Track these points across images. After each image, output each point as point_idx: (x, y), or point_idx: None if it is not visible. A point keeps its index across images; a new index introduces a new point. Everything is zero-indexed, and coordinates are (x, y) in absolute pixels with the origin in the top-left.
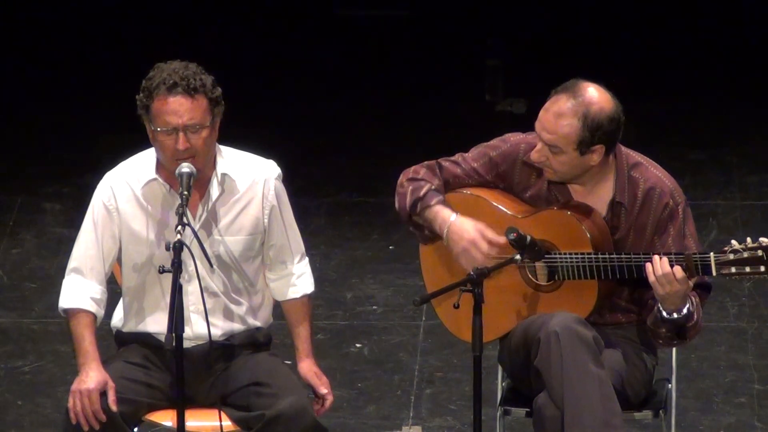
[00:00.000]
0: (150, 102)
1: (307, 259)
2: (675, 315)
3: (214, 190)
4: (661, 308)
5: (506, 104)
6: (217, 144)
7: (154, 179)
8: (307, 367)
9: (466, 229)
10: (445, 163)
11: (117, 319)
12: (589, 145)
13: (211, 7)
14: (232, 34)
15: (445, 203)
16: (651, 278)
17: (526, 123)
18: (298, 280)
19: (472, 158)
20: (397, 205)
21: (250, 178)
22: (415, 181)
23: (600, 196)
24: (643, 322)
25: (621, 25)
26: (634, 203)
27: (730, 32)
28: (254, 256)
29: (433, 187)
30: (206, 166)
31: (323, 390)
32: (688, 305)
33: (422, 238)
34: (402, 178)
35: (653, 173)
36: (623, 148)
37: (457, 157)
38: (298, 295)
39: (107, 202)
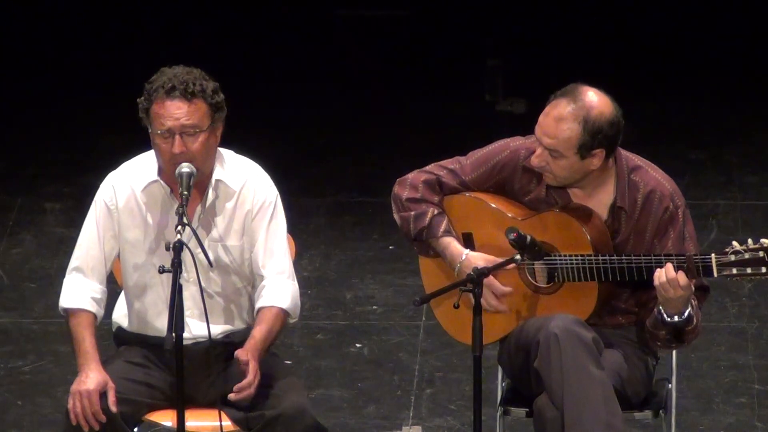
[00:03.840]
0: (149, 105)
1: (292, 280)
2: (676, 318)
3: (210, 195)
4: (662, 311)
5: (506, 104)
6: (220, 150)
7: (155, 181)
8: (244, 350)
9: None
10: (443, 177)
11: (116, 318)
12: (590, 149)
13: (211, 8)
14: (233, 34)
15: (451, 232)
16: (655, 282)
17: (526, 123)
18: (269, 291)
19: (470, 167)
20: (399, 223)
21: (241, 183)
22: (416, 203)
23: (600, 200)
24: (642, 323)
25: (621, 25)
26: (634, 207)
27: (730, 32)
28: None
29: (436, 211)
30: (206, 169)
31: (248, 362)
32: (689, 309)
33: (425, 255)
34: (400, 191)
35: (653, 176)
36: (622, 152)
37: (455, 164)
38: (265, 305)
39: (109, 202)
